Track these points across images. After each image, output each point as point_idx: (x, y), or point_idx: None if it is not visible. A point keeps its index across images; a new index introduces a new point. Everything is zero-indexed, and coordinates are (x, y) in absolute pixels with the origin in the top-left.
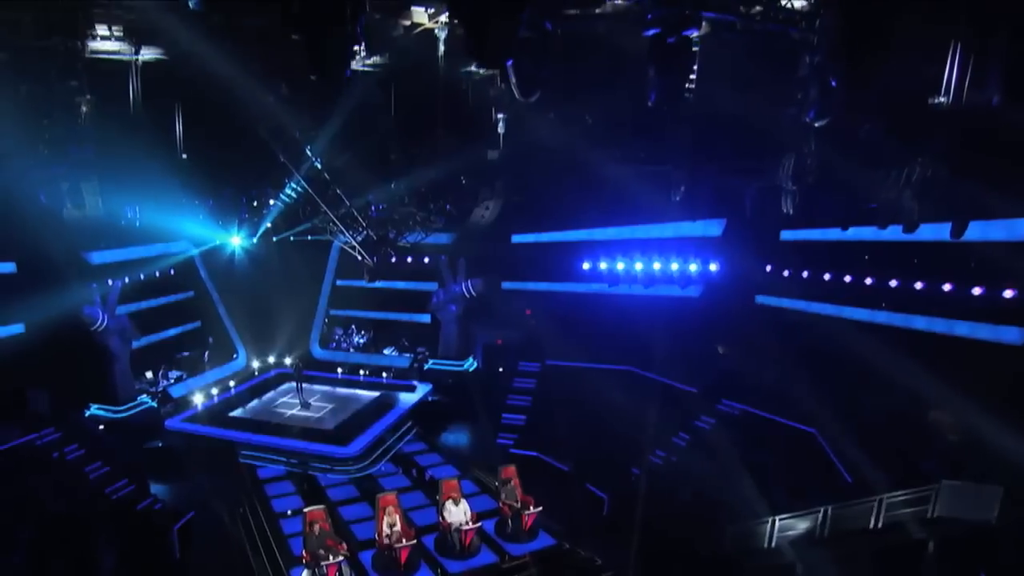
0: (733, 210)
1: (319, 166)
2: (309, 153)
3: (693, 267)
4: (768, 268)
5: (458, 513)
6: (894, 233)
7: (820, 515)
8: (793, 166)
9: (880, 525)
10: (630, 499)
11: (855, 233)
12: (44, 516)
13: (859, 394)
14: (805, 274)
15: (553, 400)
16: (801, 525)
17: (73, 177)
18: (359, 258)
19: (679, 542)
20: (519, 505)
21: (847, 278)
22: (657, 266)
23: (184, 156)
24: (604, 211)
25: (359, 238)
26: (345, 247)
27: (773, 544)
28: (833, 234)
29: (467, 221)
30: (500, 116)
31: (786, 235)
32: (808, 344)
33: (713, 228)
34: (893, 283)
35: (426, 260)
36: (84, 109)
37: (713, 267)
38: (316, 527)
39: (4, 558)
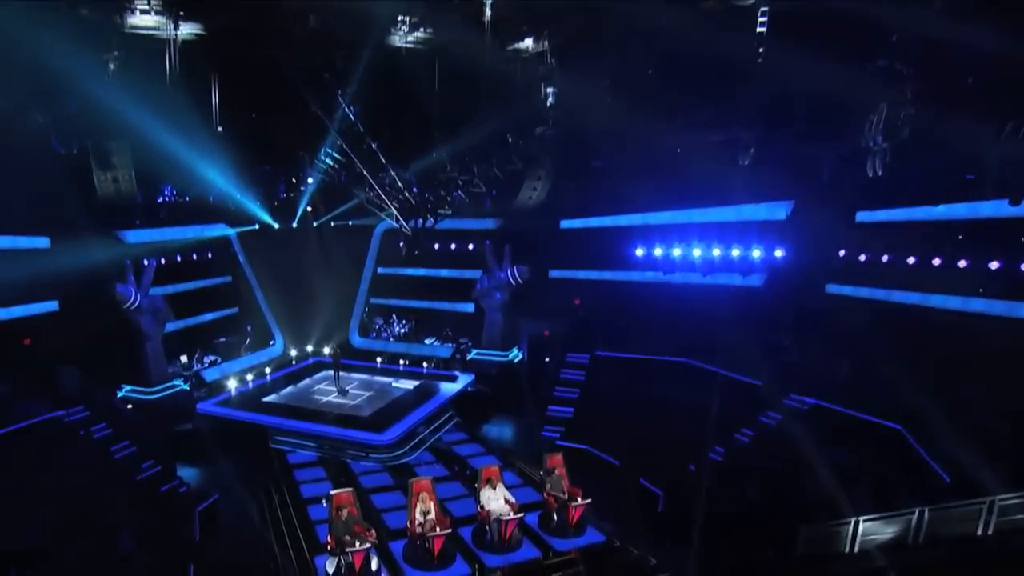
0: (805, 187)
1: (352, 116)
2: (342, 100)
3: (756, 253)
4: (842, 253)
5: (497, 501)
6: (997, 208)
7: (914, 518)
8: (884, 119)
9: (991, 532)
10: (688, 496)
11: (946, 211)
12: (65, 493)
13: (955, 389)
14: (885, 258)
15: (603, 392)
16: (889, 529)
17: (86, 124)
18: (397, 225)
19: (744, 542)
20: (566, 497)
21: (936, 261)
22: (717, 252)
23: (220, 128)
24: (660, 193)
25: (397, 204)
26: (384, 216)
27: (855, 549)
28: (919, 213)
29: (514, 204)
30: (549, 91)
31: (863, 216)
32: (889, 335)
33: (779, 211)
34: (994, 265)
35: (471, 246)
36: (112, 66)
37: (778, 253)
38: (344, 512)
39: (23, 533)
